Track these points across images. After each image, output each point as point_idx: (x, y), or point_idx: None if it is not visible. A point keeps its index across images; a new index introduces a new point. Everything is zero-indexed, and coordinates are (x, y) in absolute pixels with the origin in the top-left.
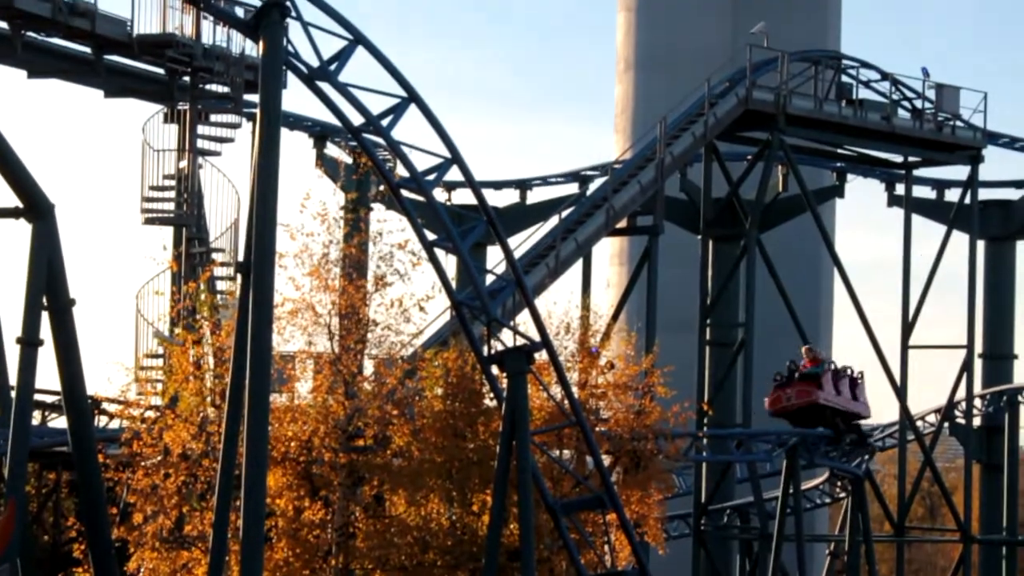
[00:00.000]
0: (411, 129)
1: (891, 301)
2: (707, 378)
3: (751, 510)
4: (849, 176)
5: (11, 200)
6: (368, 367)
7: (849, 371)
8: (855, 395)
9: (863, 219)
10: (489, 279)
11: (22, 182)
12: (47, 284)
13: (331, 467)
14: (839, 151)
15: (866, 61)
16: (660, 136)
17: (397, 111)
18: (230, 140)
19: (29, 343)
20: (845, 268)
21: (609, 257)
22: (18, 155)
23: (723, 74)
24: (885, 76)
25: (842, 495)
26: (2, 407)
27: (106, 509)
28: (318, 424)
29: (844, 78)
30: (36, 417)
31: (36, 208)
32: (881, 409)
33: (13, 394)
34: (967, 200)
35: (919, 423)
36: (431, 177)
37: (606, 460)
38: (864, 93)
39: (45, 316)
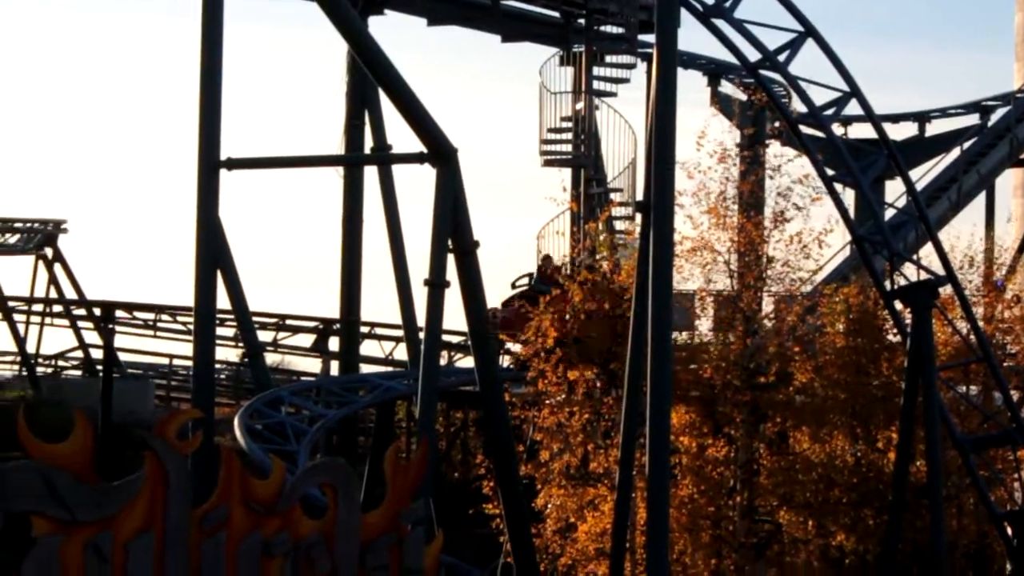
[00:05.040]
0: (807, 64)
1: None
2: None
3: None
4: None
5: (416, 146)
6: (767, 304)
7: None
8: None
9: None
10: (889, 213)
11: (426, 128)
12: (452, 227)
13: (733, 404)
14: None
15: None
16: None
17: (794, 46)
18: (625, 81)
19: (436, 285)
20: None
21: (1012, 189)
22: (421, 102)
23: None
24: None
25: None
26: (412, 348)
27: (513, 446)
28: (720, 361)
29: None
30: (444, 357)
31: (440, 153)
32: None
33: (422, 335)
34: None
35: None
36: (829, 112)
37: (1015, 395)
38: None
39: (451, 258)
